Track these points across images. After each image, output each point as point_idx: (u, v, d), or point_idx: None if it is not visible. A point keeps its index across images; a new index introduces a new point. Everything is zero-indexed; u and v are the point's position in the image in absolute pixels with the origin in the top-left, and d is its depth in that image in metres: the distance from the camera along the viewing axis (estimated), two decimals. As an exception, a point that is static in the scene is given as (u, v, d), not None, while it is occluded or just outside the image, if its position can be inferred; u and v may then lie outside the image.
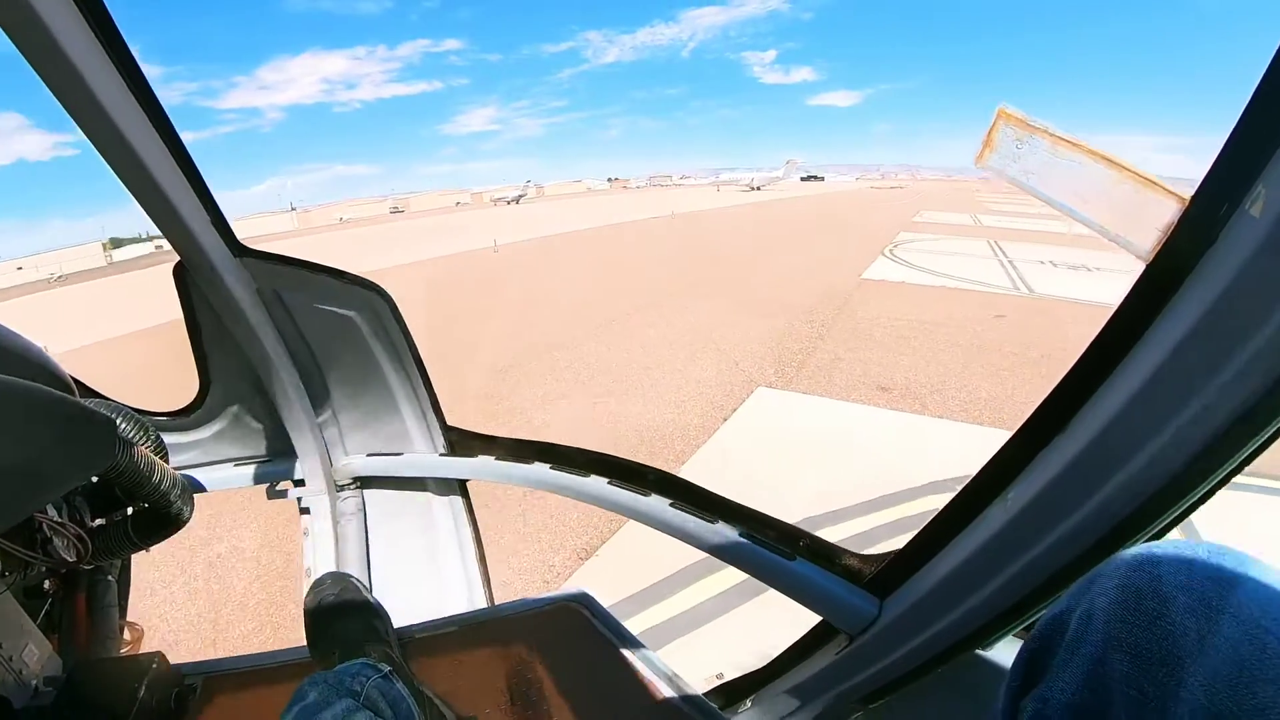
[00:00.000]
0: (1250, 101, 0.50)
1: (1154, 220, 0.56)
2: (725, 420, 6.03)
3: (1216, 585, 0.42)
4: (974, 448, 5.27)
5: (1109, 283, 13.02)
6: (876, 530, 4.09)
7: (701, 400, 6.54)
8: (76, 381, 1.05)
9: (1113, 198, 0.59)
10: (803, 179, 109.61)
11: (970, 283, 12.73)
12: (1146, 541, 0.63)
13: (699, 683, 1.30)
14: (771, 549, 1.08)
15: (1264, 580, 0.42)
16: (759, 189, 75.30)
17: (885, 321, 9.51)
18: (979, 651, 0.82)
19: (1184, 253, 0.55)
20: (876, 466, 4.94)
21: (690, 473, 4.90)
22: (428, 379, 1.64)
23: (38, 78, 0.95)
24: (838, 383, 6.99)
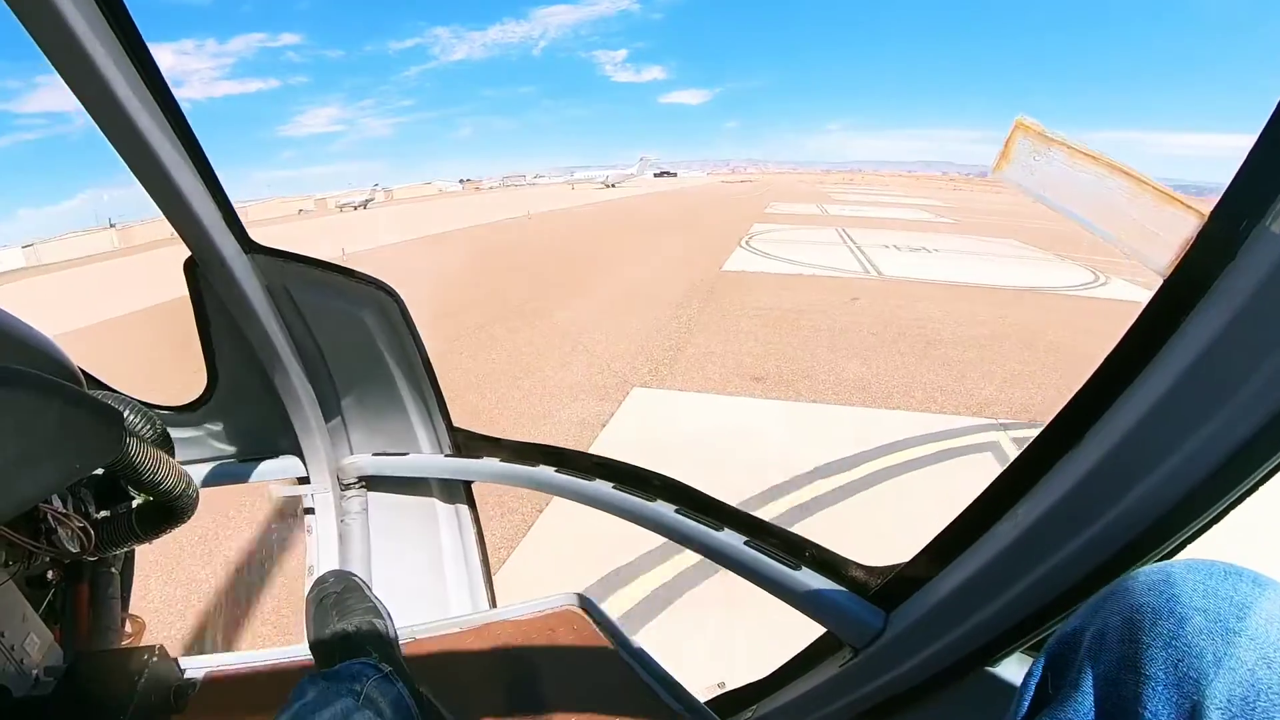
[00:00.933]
0: (1272, 116, 0.49)
1: (1172, 235, 0.55)
2: (604, 425, 5.85)
3: (1233, 606, 0.41)
4: (850, 429, 5.35)
5: (947, 262, 14.16)
6: (776, 521, 4.00)
7: (576, 405, 6.35)
8: (84, 373, 1.06)
9: (1130, 211, 0.59)
10: (656, 175, 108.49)
11: (825, 269, 13.22)
12: (1161, 560, 0.62)
13: (700, 690, 1.29)
14: (777, 558, 1.07)
15: None
16: (613, 186, 73.82)
17: (751, 312, 9.56)
18: (987, 668, 0.81)
19: (1202, 269, 0.54)
20: (762, 457, 4.88)
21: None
22: (435, 380, 1.64)
23: (56, 73, 0.96)
24: (712, 376, 6.94)
